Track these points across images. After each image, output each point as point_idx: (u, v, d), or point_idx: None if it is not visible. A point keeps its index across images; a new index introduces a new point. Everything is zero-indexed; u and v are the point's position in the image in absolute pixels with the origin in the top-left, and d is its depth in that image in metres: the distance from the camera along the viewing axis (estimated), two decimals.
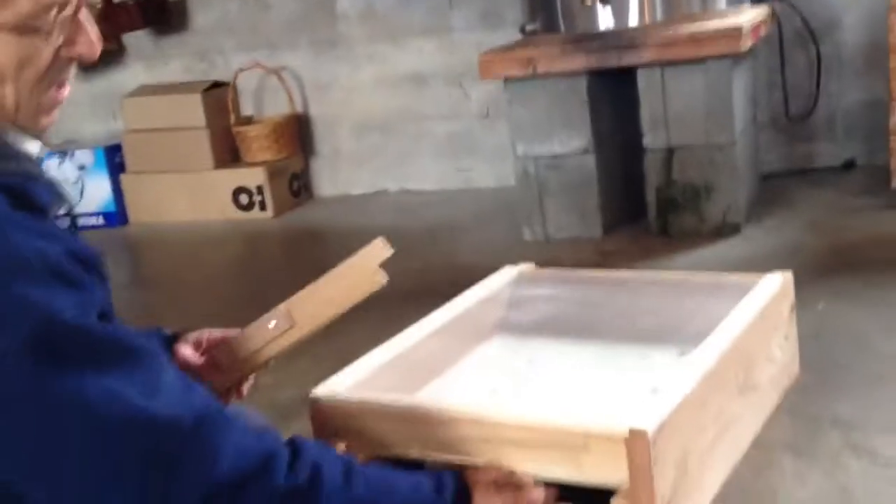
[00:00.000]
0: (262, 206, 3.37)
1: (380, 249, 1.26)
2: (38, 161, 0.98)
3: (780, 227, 2.49)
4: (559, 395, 1.27)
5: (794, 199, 2.70)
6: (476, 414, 1.26)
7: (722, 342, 1.36)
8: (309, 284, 1.31)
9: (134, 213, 3.54)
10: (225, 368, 1.33)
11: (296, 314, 1.31)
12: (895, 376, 1.60)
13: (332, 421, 1.36)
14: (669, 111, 2.44)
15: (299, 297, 1.31)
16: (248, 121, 3.52)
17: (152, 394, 0.95)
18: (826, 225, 2.45)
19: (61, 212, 0.99)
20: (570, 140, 2.56)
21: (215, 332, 1.38)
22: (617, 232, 2.61)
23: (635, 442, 1.13)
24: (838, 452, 1.39)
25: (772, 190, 2.79)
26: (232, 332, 1.36)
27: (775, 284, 1.54)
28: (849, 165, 2.92)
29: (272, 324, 1.30)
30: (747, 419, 1.42)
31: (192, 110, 3.41)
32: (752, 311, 1.45)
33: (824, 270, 2.12)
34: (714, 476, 1.32)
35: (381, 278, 1.26)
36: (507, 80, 2.58)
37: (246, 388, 1.35)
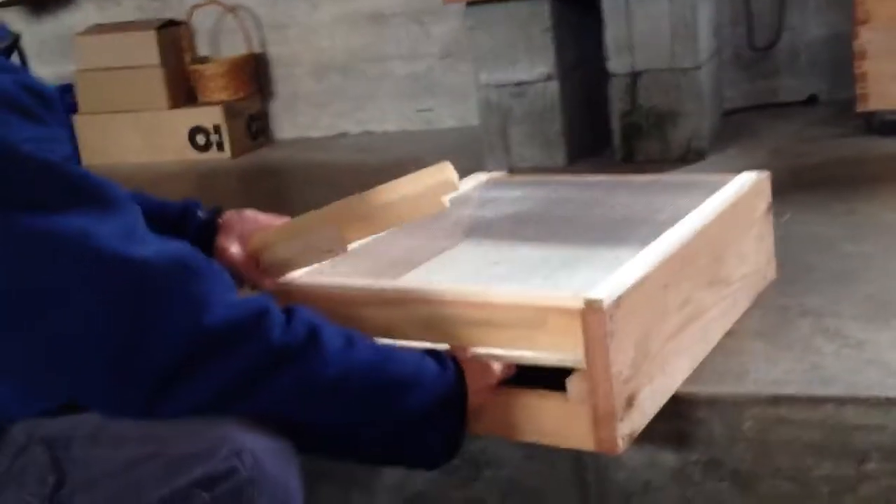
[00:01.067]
0: (220, 147, 3.29)
1: (447, 173, 1.18)
2: None
3: (743, 154, 2.48)
4: (521, 280, 1.23)
5: (758, 130, 2.69)
6: (431, 294, 1.22)
7: (688, 228, 1.32)
8: (364, 195, 1.24)
9: (87, 155, 3.44)
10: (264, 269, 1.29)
11: (350, 234, 1.26)
12: (862, 273, 1.59)
13: (282, 304, 1.31)
14: (634, 35, 2.41)
15: (355, 215, 1.24)
16: (204, 60, 3.44)
17: (129, 239, 0.88)
18: (790, 151, 2.44)
19: (4, 45, 0.93)
20: (534, 67, 2.52)
21: (260, 217, 1.32)
22: (581, 160, 2.58)
23: (591, 314, 1.09)
24: (810, 337, 1.38)
25: (735, 124, 2.77)
26: (277, 222, 1.31)
27: (749, 182, 1.51)
28: (812, 100, 2.91)
29: (325, 247, 1.26)
30: (717, 314, 1.40)
31: (146, 49, 3.32)
32: (723, 203, 1.42)
33: (789, 188, 2.10)
34: (680, 364, 1.29)
35: (446, 202, 1.19)
36: (469, 4, 2.54)
37: None
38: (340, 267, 1.37)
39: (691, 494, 1.31)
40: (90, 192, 0.87)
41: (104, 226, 0.86)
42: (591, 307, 1.09)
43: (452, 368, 1.09)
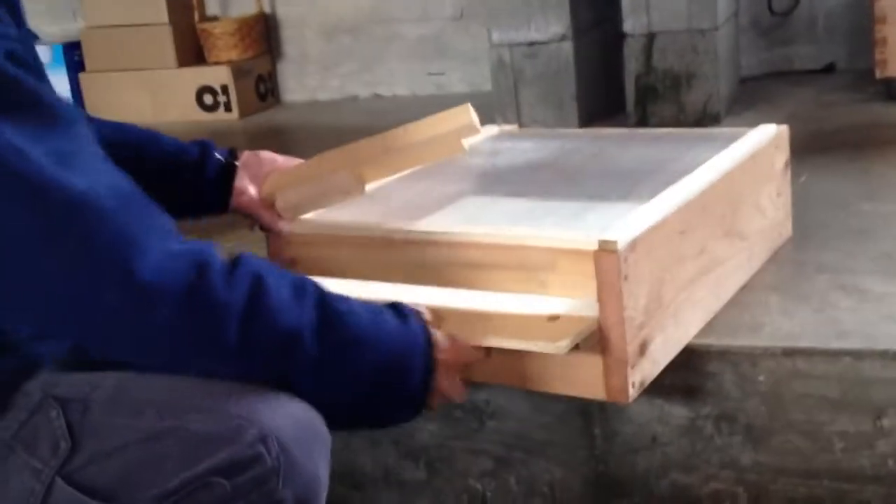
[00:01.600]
0: (227, 108, 3.25)
1: (467, 115, 1.14)
2: None
3: (759, 118, 2.38)
4: (531, 225, 1.19)
5: (774, 97, 2.64)
6: (435, 236, 1.19)
7: (707, 176, 1.29)
8: (384, 136, 1.20)
9: (93, 113, 3.39)
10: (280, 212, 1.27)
11: (367, 176, 1.22)
12: (879, 230, 1.55)
13: (288, 249, 1.29)
14: None
15: (373, 155, 1.21)
16: (213, 19, 3.39)
17: (67, 163, 0.79)
18: (806, 116, 2.39)
19: None
20: (548, 26, 2.48)
21: (278, 158, 1.29)
22: (594, 124, 2.53)
23: (604, 256, 1.05)
24: (826, 292, 1.34)
25: (751, 90, 2.72)
26: (294, 162, 1.28)
27: (769, 134, 1.47)
28: (829, 69, 2.86)
29: (342, 189, 1.23)
30: (733, 267, 1.36)
31: (155, 6, 3.27)
32: (742, 153, 1.38)
33: (805, 151, 2.06)
34: (693, 315, 1.25)
35: (466, 145, 1.15)
36: None
37: None
38: (349, 210, 1.34)
39: (701, 449, 1.28)
40: (27, 101, 0.79)
41: (41, 145, 0.78)
42: (605, 249, 1.05)
43: (415, 319, 0.99)
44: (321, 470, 0.89)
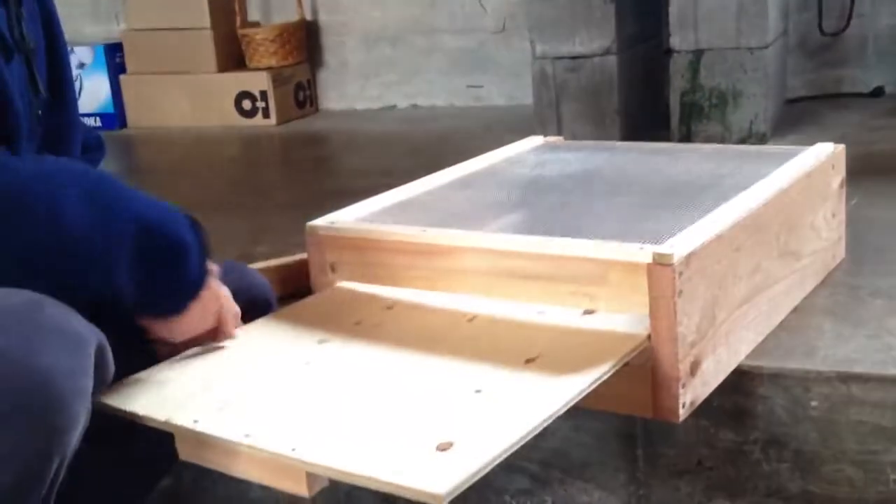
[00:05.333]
0: (266, 114, 3.25)
1: None
2: None
3: (806, 140, 2.34)
4: (578, 233, 1.16)
5: (821, 119, 2.59)
6: (481, 243, 1.16)
7: (763, 193, 1.25)
8: None
9: (132, 116, 3.41)
10: None
11: None
12: None
13: (329, 252, 1.26)
14: (699, 10, 2.32)
15: None
16: (255, 25, 3.39)
17: None
18: (854, 139, 2.33)
19: None
20: (592, 40, 2.45)
21: None
22: (636, 140, 2.50)
23: (659, 270, 1.02)
24: (883, 318, 1.29)
25: (797, 112, 2.68)
26: None
27: (825, 153, 1.43)
28: (878, 93, 2.80)
29: None
30: (786, 288, 1.32)
31: (197, 11, 3.28)
32: (798, 171, 1.34)
33: (854, 175, 1.99)
34: (745, 335, 1.21)
35: None
36: None
37: None
38: (391, 215, 1.31)
39: (747, 475, 1.23)
40: None
41: None
42: (660, 262, 1.02)
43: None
44: (43, 359, 0.79)
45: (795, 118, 2.59)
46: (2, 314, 0.80)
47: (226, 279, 1.05)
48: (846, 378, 1.17)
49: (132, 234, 0.90)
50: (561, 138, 1.71)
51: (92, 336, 0.84)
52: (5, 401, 0.77)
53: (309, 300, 1.25)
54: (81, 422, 0.82)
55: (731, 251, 1.13)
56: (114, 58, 3.41)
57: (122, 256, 0.89)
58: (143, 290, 0.92)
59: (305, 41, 3.38)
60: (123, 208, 0.90)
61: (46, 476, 0.81)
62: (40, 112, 1.01)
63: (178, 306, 0.97)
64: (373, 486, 0.81)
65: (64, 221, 0.86)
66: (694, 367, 1.08)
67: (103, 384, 0.88)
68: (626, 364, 1.03)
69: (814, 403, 1.18)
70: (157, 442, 0.96)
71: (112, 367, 0.88)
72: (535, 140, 1.66)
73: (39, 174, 0.88)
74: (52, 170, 0.90)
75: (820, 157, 1.40)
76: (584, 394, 0.95)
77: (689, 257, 1.04)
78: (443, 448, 0.84)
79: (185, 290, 0.96)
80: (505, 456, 0.85)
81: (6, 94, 0.92)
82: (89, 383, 0.82)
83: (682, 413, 1.06)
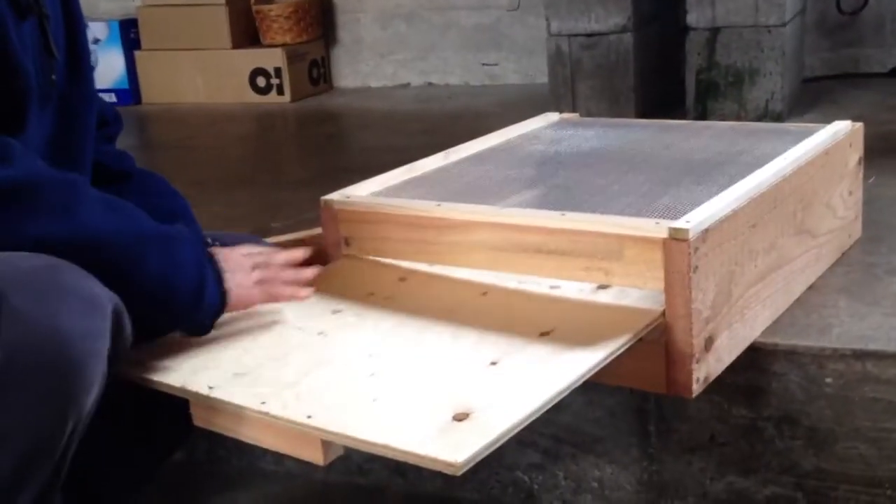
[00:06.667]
0: (280, 91, 3.24)
1: None
2: None
3: (822, 119, 2.31)
4: (594, 208, 1.15)
5: (838, 98, 2.57)
6: (495, 218, 1.16)
7: (779, 169, 1.24)
8: None
9: (147, 92, 3.41)
10: None
11: None
12: None
13: (344, 226, 1.26)
14: None
15: None
16: (269, 1, 3.38)
17: None
18: (872, 118, 2.29)
19: None
20: (609, 17, 2.43)
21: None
22: (651, 118, 2.49)
23: (674, 245, 1.02)
24: None
25: (814, 91, 2.66)
26: None
27: (843, 131, 1.42)
28: (895, 72, 2.78)
29: None
30: (802, 266, 1.31)
31: None
32: (815, 148, 1.34)
33: (872, 153, 1.99)
34: (760, 312, 1.21)
35: None
36: None
37: None
38: (406, 190, 1.31)
39: (760, 451, 1.23)
40: None
41: None
42: (676, 237, 1.02)
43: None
44: (61, 321, 0.80)
45: (812, 97, 2.57)
46: (21, 275, 0.80)
47: None
48: (861, 355, 1.16)
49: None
50: (577, 115, 1.70)
51: (109, 300, 0.84)
52: (22, 361, 0.77)
53: (322, 271, 1.26)
54: (97, 384, 0.82)
55: (746, 227, 1.13)
56: (129, 33, 3.41)
57: None
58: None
59: (320, 18, 3.37)
60: None
61: (60, 440, 0.81)
62: (54, 77, 1.01)
63: (204, 330, 1.00)
64: (389, 455, 0.81)
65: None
66: (708, 343, 1.08)
67: (121, 348, 0.88)
68: (640, 339, 1.03)
69: (828, 380, 1.18)
70: (171, 418, 0.97)
71: (129, 331, 0.88)
72: (552, 116, 1.66)
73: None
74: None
75: (838, 134, 1.39)
76: (598, 367, 0.95)
77: (705, 233, 1.04)
78: (459, 418, 0.84)
79: (206, 317, 0.98)
80: (522, 426, 0.85)
81: (15, 53, 0.91)
82: (106, 345, 0.83)
83: (696, 389, 1.06)
